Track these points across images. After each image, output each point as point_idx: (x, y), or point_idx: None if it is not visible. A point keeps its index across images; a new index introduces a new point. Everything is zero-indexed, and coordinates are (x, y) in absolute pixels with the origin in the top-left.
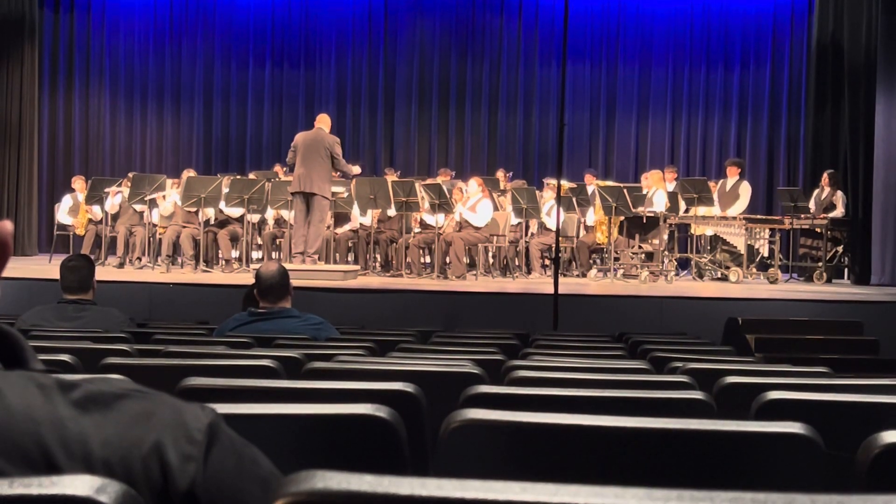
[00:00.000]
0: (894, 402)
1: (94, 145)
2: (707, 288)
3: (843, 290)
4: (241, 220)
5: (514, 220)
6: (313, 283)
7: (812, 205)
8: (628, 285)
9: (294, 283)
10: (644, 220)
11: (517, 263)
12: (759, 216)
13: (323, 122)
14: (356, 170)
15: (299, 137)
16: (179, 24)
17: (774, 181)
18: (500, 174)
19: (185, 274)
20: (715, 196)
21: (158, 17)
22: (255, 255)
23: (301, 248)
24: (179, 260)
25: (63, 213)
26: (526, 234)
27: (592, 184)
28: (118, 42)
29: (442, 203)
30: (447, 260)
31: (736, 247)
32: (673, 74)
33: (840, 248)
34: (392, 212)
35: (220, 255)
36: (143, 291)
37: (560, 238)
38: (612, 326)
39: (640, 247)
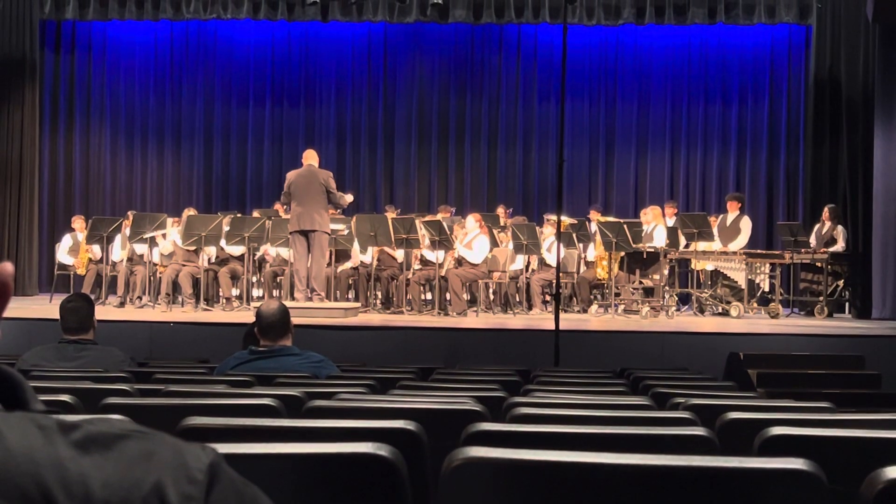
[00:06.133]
0: None
1: (95, 185)
2: (708, 323)
3: (845, 324)
4: (241, 258)
5: (518, 265)
6: (314, 321)
7: (812, 239)
8: (629, 321)
9: (295, 320)
10: (644, 256)
11: (518, 299)
12: (759, 251)
13: (312, 157)
14: (349, 198)
15: (292, 176)
16: (180, 63)
17: (774, 216)
18: (500, 210)
19: (186, 313)
20: (715, 231)
21: (159, 56)
22: (256, 293)
23: (305, 285)
24: (180, 299)
25: (63, 252)
26: (526, 270)
27: (596, 219)
28: (118, 82)
29: (442, 239)
30: (448, 296)
31: (736, 282)
32: (671, 110)
33: (841, 283)
34: (400, 256)
35: (221, 294)
36: (144, 331)
37: (560, 274)
38: (614, 362)
39: (640, 282)
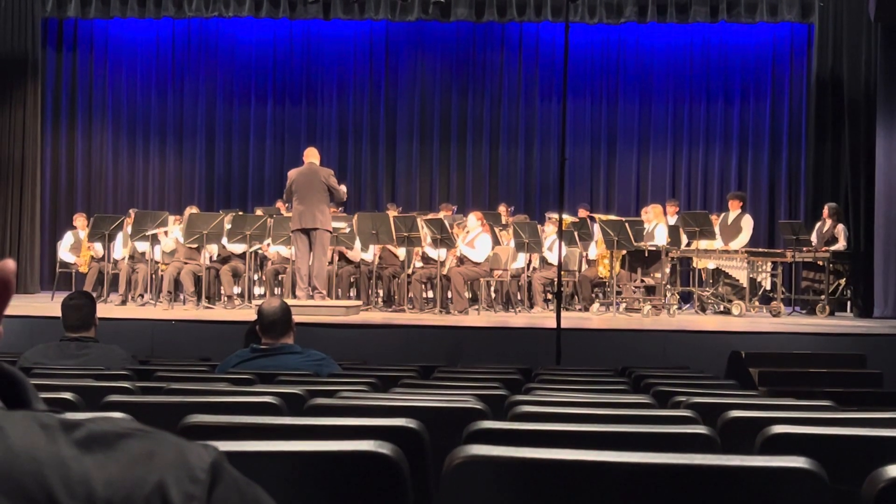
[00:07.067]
0: None
1: (97, 183)
2: (710, 321)
3: (846, 322)
4: (243, 256)
5: (520, 263)
6: (315, 319)
7: (814, 237)
8: (631, 319)
9: (296, 318)
10: (646, 254)
11: (519, 298)
12: (761, 249)
13: (313, 155)
14: (343, 188)
15: (294, 175)
16: (181, 61)
17: (776, 214)
18: (501, 209)
19: (188, 310)
20: (717, 229)
21: (161, 54)
22: (258, 291)
23: (306, 283)
24: (181, 297)
25: (65, 250)
26: (528, 269)
27: (586, 216)
28: (121, 80)
29: (444, 238)
30: (449, 295)
31: (738, 280)
32: (673, 108)
33: (842, 281)
34: (402, 254)
35: (223, 292)
36: (146, 328)
37: (562, 272)
38: (615, 361)
39: (642, 280)
